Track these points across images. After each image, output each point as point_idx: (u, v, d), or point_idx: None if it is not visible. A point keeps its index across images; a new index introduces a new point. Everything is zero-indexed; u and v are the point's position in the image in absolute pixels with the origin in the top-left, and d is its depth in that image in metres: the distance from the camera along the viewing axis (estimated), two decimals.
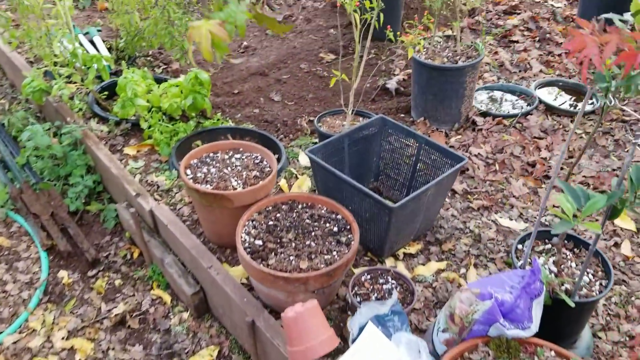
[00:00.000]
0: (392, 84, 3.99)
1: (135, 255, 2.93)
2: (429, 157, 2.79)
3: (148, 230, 2.86)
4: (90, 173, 3.28)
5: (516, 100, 3.87)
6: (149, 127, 3.31)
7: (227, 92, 3.88)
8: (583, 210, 1.66)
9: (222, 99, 3.78)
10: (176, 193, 2.98)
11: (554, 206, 3.01)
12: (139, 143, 3.36)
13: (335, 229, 2.33)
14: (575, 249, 2.19)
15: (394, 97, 3.95)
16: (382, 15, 2.96)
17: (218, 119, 3.53)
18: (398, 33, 3.14)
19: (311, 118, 3.66)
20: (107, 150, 3.16)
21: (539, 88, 3.99)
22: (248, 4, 0.95)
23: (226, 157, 2.69)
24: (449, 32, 3.87)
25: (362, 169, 2.98)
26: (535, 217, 2.89)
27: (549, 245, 2.19)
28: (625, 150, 3.39)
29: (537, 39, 4.72)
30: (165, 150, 3.23)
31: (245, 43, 4.63)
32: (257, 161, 2.68)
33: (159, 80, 3.74)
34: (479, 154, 3.32)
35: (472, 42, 3.58)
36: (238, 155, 2.71)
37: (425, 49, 3.51)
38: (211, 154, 2.71)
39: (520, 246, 2.18)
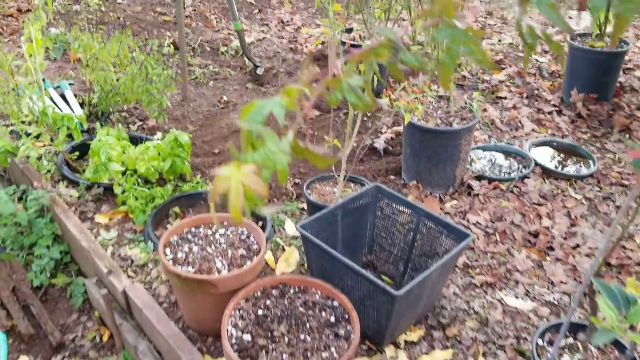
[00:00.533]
0: (380, 143, 3.81)
1: (105, 337, 2.64)
2: (428, 230, 2.58)
3: (120, 312, 2.58)
4: (58, 242, 3.00)
5: (511, 161, 3.72)
6: (123, 191, 3.05)
7: (207, 152, 3.65)
8: (628, 317, 1.46)
9: (202, 160, 3.54)
10: (152, 269, 2.71)
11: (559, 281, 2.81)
12: (111, 210, 3.10)
13: (332, 318, 2.09)
14: None
15: (382, 156, 3.77)
16: (375, 78, 2.79)
17: (197, 182, 3.29)
18: (389, 94, 2.97)
19: (296, 180, 3.45)
20: (76, 219, 2.89)
21: (533, 148, 3.85)
22: (291, 140, 0.74)
23: (209, 232, 2.45)
24: (434, 87, 3.72)
25: (355, 241, 2.76)
26: (543, 295, 2.69)
27: (571, 339, 1.98)
28: (629, 217, 3.23)
29: (525, 95, 4.62)
30: (140, 219, 2.97)
31: (225, 98, 4.43)
32: (243, 237, 2.44)
33: (134, 139, 3.51)
34: (477, 222, 3.13)
35: (466, 103, 3.43)
36: (222, 231, 2.46)
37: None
38: (193, 229, 2.46)
39: (540, 341, 1.97)
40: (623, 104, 4.38)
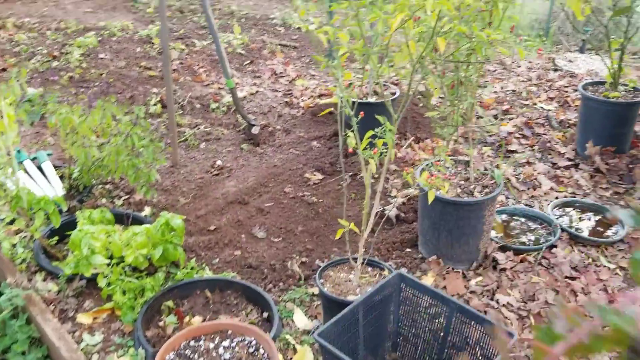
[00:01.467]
0: (392, 211, 3.49)
1: None
2: (460, 322, 2.25)
3: None
4: (36, 345, 2.62)
5: (535, 227, 3.40)
6: (109, 284, 2.69)
7: (202, 230, 3.29)
8: None
9: (196, 239, 3.19)
10: None
11: None
12: (96, 306, 2.72)
13: None
14: None
15: (394, 225, 3.45)
16: (394, 152, 2.48)
17: (192, 267, 2.94)
18: (409, 171, 2.66)
19: (303, 259, 3.11)
20: (55, 323, 2.52)
21: (555, 210, 3.55)
22: None
23: (211, 346, 2.09)
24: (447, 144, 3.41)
25: (378, 338, 2.42)
26: None
27: None
28: None
29: (538, 148, 4.35)
30: (128, 317, 2.60)
31: (219, 162, 4.10)
32: (251, 349, 2.09)
33: (119, 216, 3.16)
34: (508, 303, 2.80)
35: (486, 169, 3.13)
36: (227, 343, 2.11)
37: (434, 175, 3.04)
38: (192, 342, 2.10)
39: None
40: None
